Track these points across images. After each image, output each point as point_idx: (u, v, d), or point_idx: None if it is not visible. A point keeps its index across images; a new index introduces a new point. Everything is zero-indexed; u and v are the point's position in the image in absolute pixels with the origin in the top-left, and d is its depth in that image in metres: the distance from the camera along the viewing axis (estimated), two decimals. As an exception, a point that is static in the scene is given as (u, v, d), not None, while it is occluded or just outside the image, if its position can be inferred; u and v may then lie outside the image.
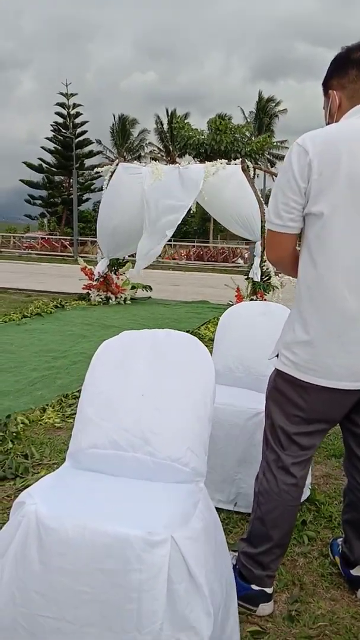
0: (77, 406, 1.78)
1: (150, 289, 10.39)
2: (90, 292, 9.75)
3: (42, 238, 36.04)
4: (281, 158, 39.30)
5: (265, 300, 8.12)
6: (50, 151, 40.57)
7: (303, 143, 1.53)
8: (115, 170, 9.24)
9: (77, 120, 40.66)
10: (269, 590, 1.78)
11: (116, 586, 1.22)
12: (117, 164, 9.38)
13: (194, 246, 33.74)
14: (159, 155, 42.76)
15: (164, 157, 41.45)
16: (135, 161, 9.94)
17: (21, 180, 40.55)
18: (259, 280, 8.64)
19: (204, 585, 1.26)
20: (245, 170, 8.67)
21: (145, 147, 45.92)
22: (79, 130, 40.43)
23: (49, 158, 40.89)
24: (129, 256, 10.20)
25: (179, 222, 8.69)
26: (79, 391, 4.00)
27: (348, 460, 1.83)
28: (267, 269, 8.67)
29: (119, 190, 9.10)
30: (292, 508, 1.72)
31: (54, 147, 40.33)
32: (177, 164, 9.29)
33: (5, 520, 2.27)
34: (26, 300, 9.51)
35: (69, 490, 1.49)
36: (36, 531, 1.27)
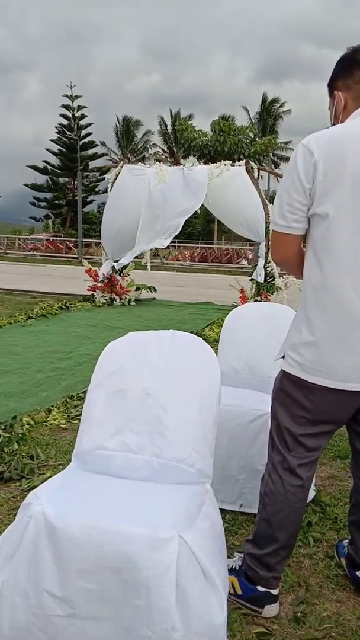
0: (82, 407, 1.79)
1: (155, 290, 10.40)
2: (94, 293, 9.77)
3: (46, 240, 36.14)
4: (285, 159, 39.28)
5: (269, 301, 8.11)
6: (54, 153, 40.70)
7: (308, 144, 1.53)
8: (120, 172, 9.26)
9: (82, 122, 40.78)
10: (274, 591, 1.77)
11: (125, 584, 1.22)
12: (122, 166, 9.40)
13: (198, 247, 33.72)
14: (163, 156, 42.79)
15: (168, 159, 41.48)
16: (139, 163, 9.96)
17: (26, 185, 40.70)
18: (263, 281, 8.63)
19: (217, 581, 1.26)
20: (249, 171, 8.67)
21: (149, 149, 46.00)
22: (83, 132, 40.55)
23: (54, 160, 41.06)
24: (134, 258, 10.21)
25: (180, 227, 8.65)
26: (84, 392, 4.02)
27: (354, 462, 1.83)
28: (271, 270, 8.66)
29: (123, 192, 9.11)
30: (298, 509, 1.72)
31: (59, 149, 40.46)
32: (182, 166, 9.30)
33: (12, 520, 2.28)
34: (31, 302, 9.53)
35: (75, 491, 1.50)
36: (46, 531, 1.28)
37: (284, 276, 8.88)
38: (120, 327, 7.11)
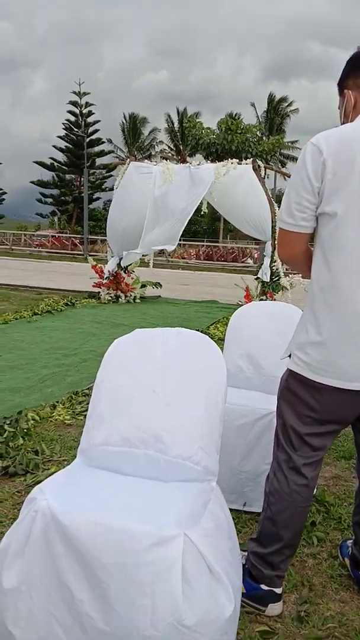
0: (87, 403, 1.80)
1: (160, 285, 10.40)
2: (100, 290, 9.79)
3: (52, 236, 36.24)
4: (292, 158, 39.14)
5: (274, 300, 8.09)
6: (61, 150, 40.69)
7: (317, 142, 1.53)
8: (127, 169, 9.26)
9: (89, 120, 40.75)
10: (278, 590, 1.78)
11: (130, 581, 1.22)
12: (129, 163, 9.39)
13: (203, 246, 33.69)
14: (170, 154, 42.74)
15: (175, 157, 41.44)
16: (146, 160, 9.95)
17: (32, 182, 40.74)
18: (269, 280, 8.61)
19: (224, 578, 1.27)
20: (256, 169, 8.64)
21: (156, 146, 45.95)
22: (90, 129, 40.52)
23: (60, 157, 41.09)
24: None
25: (184, 226, 8.61)
26: (89, 388, 4.03)
27: (358, 462, 1.82)
28: (277, 269, 8.65)
29: (129, 191, 9.11)
30: (302, 509, 1.72)
31: (66, 146, 40.46)
32: (188, 164, 9.29)
33: (16, 515, 2.29)
34: (37, 298, 9.56)
35: (80, 487, 1.50)
36: (53, 525, 1.29)
37: (290, 275, 8.86)
38: (126, 325, 7.12)
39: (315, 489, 2.49)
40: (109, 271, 9.73)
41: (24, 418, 3.34)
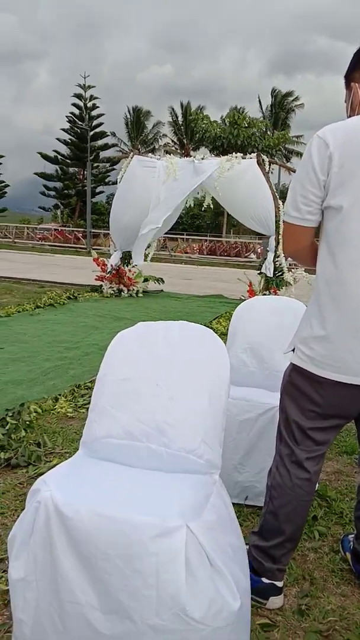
0: (89, 396, 1.80)
1: (163, 281, 10.39)
2: (102, 284, 9.78)
3: (55, 230, 36.19)
4: (297, 153, 38.95)
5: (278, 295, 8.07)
6: (65, 142, 40.61)
7: (324, 135, 1.52)
8: (130, 162, 9.23)
9: (93, 113, 40.62)
10: (279, 583, 1.78)
11: (134, 572, 1.23)
12: (132, 157, 9.36)
13: (206, 240, 33.62)
14: (174, 148, 42.59)
15: (178, 150, 41.29)
16: (149, 154, 9.91)
17: (35, 174, 40.66)
18: (272, 275, 8.58)
19: (225, 571, 1.27)
20: (260, 164, 8.60)
21: (159, 140, 45.79)
22: (94, 122, 40.39)
23: (64, 149, 41.00)
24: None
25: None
26: (92, 382, 4.03)
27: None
28: (280, 264, 8.62)
29: (132, 185, 9.08)
30: (304, 503, 1.72)
31: (69, 139, 40.36)
32: (192, 158, 9.25)
33: (18, 506, 2.30)
34: (39, 291, 9.56)
35: (83, 478, 1.50)
36: (56, 516, 1.29)
37: (293, 271, 8.84)
38: (128, 318, 7.12)
39: (317, 484, 2.49)
40: (111, 265, 9.72)
41: (27, 410, 3.35)
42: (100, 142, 41.27)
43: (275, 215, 8.35)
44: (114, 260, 9.74)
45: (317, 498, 2.46)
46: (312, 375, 1.60)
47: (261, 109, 41.84)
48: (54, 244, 31.04)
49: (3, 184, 46.27)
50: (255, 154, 8.83)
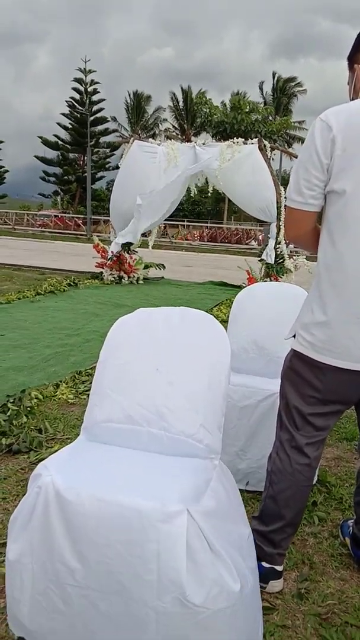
0: (90, 383, 1.81)
1: (164, 267, 10.36)
2: (103, 271, 9.75)
3: (55, 216, 36.05)
4: (298, 139, 38.63)
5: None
6: (65, 127, 40.23)
7: (326, 118, 1.49)
8: (131, 147, 9.16)
9: (94, 98, 40.15)
10: (279, 568, 1.79)
11: (134, 557, 1.24)
12: (133, 141, 9.28)
13: (207, 227, 33.48)
14: (174, 133, 42.24)
15: (179, 136, 40.96)
16: (150, 139, 9.83)
17: (36, 157, 40.32)
18: (273, 262, 8.55)
19: (225, 555, 1.27)
20: (262, 149, 8.53)
21: (160, 125, 45.38)
22: (95, 107, 39.96)
23: (64, 134, 40.62)
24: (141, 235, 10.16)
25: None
26: (92, 368, 4.04)
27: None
28: (281, 251, 8.58)
29: (133, 170, 9.01)
30: (304, 488, 1.72)
31: (70, 124, 39.97)
32: (194, 143, 9.17)
33: (20, 491, 2.31)
34: (40, 278, 9.54)
35: (84, 463, 1.50)
36: (55, 502, 1.30)
37: (294, 258, 8.80)
38: (129, 305, 7.12)
39: (317, 470, 2.50)
40: (112, 252, 9.68)
41: (28, 397, 3.35)
42: (100, 127, 40.89)
43: (277, 202, 8.29)
44: (115, 247, 9.69)
45: (317, 484, 2.47)
46: (313, 361, 1.59)
47: (262, 94, 41.42)
48: (54, 231, 30.94)
49: (3, 169, 45.95)
50: (256, 139, 8.75)
